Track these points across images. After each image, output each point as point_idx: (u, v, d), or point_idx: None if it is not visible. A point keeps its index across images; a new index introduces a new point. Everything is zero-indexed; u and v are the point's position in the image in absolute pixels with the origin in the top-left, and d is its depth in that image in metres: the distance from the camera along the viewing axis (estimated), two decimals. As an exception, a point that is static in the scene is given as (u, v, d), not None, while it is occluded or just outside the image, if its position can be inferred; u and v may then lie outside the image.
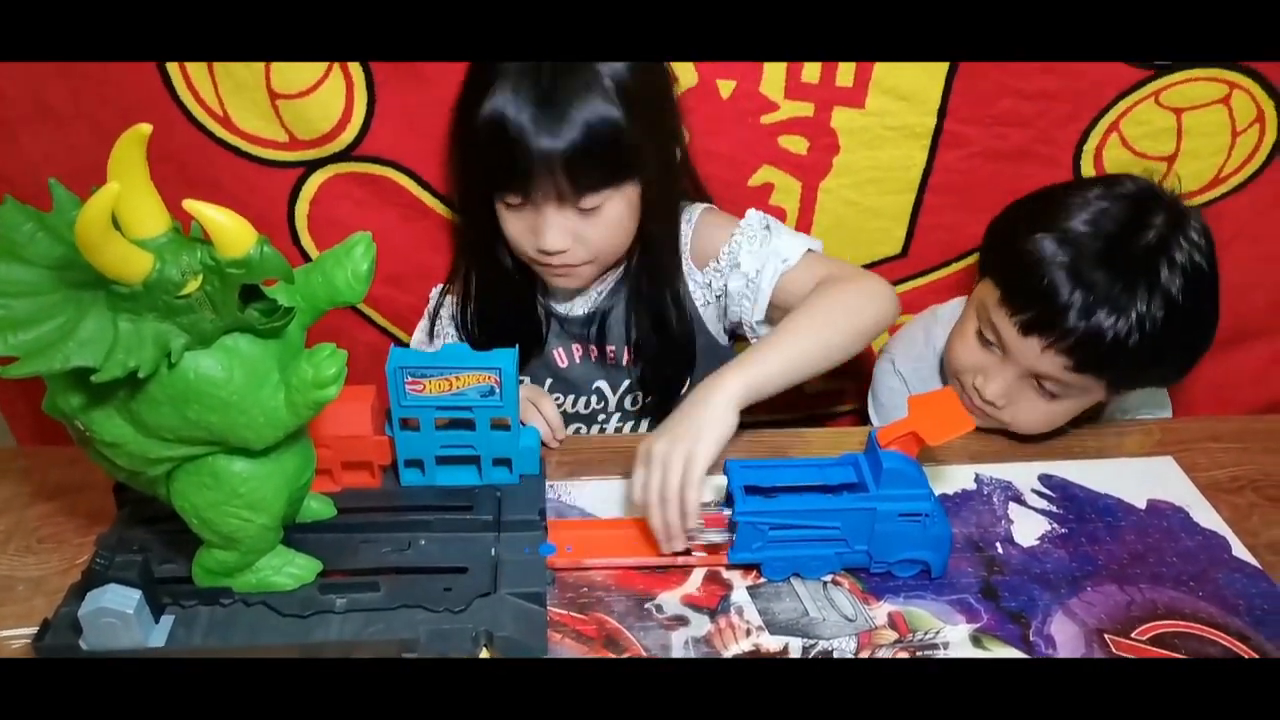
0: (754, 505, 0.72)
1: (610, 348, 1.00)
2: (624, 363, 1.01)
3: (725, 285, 0.96)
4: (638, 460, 0.76)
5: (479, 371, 0.72)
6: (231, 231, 0.52)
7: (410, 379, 0.72)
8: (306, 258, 1.03)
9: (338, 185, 0.98)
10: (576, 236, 0.88)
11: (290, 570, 0.68)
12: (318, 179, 0.97)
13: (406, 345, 1.09)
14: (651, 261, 0.96)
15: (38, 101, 0.89)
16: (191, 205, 0.51)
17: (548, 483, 0.81)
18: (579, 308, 1.00)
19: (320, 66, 0.90)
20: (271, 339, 0.59)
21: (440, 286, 1.05)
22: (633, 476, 0.76)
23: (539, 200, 0.86)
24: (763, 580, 0.74)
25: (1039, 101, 0.98)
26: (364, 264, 0.63)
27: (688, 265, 0.99)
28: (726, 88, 0.97)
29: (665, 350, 0.99)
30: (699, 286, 0.99)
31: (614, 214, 0.88)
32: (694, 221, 0.99)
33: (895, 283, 1.12)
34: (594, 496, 0.83)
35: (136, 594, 0.62)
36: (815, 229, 1.07)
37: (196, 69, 0.89)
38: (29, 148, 0.90)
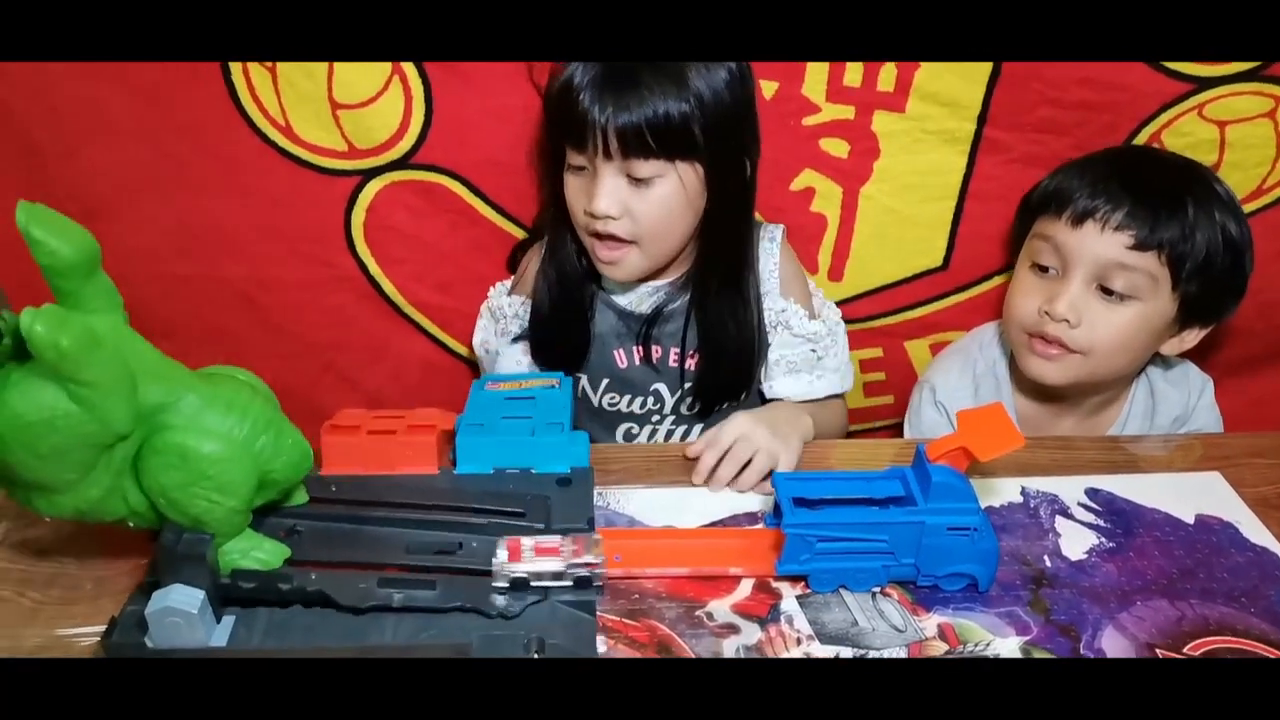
0: (802, 517, 0.73)
1: (657, 348, 1.01)
2: (672, 364, 1.02)
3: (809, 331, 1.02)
4: (725, 437, 0.86)
5: (544, 379, 0.88)
6: None
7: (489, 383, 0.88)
8: (362, 265, 1.05)
9: (393, 193, 1.00)
10: (626, 207, 0.90)
11: (257, 555, 0.68)
12: (374, 187, 0.99)
13: (457, 353, 1.12)
14: (720, 267, 0.98)
15: (97, 116, 0.91)
16: None
17: (596, 490, 0.82)
18: (645, 304, 1.01)
19: (381, 77, 0.91)
20: (22, 360, 0.56)
21: (501, 283, 1.07)
22: (712, 446, 0.86)
23: (595, 160, 0.88)
24: (811, 590, 0.75)
25: (1078, 112, 0.98)
26: (32, 229, 0.54)
27: (774, 283, 1.01)
28: (769, 89, 0.98)
29: (728, 359, 1.00)
30: (775, 313, 1.01)
31: (665, 192, 0.90)
32: (778, 241, 1.02)
33: (935, 298, 1.12)
34: (643, 504, 0.83)
35: (200, 594, 0.64)
36: (856, 240, 1.07)
37: (261, 80, 0.91)
38: (88, 162, 0.92)
